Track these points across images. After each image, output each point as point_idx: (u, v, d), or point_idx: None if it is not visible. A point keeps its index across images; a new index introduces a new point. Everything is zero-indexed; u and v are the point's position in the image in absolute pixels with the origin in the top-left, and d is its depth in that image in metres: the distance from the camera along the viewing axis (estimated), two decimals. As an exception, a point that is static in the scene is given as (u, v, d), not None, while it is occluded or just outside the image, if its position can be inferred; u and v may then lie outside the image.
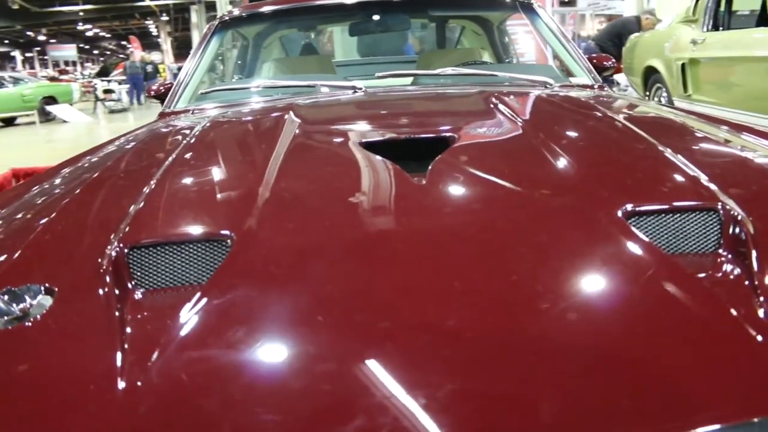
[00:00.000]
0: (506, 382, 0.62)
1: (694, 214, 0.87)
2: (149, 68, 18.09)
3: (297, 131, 1.35)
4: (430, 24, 3.94)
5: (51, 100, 15.22)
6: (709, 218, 0.86)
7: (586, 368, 0.63)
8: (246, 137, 1.56)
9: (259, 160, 1.20)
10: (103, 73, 21.98)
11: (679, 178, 0.98)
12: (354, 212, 0.95)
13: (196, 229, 0.91)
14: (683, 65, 5.33)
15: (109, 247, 0.86)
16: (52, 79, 22.69)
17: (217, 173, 1.20)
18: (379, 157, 1.09)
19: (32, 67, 48.21)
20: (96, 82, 18.58)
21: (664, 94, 5.84)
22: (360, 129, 1.46)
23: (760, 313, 0.69)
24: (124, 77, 18.21)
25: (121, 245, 0.86)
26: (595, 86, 2.14)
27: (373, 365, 0.64)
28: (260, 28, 3.13)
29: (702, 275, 0.78)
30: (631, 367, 0.63)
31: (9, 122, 15.03)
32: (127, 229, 0.91)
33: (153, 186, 1.07)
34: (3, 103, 14.42)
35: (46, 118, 14.54)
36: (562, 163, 1.04)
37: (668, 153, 1.07)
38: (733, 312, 0.70)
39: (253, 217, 0.91)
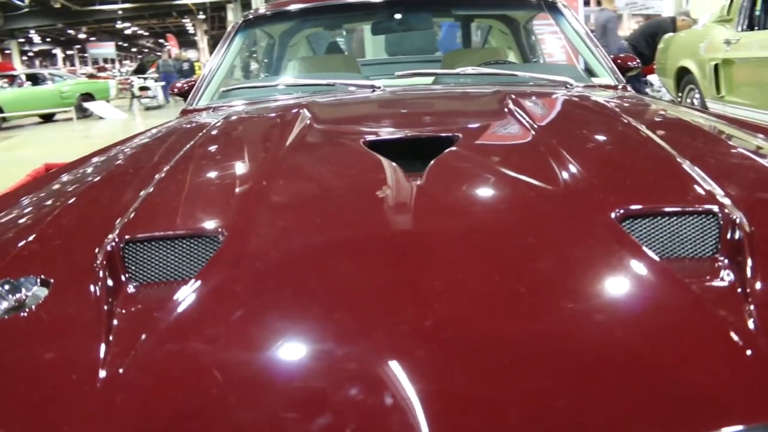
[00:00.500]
0: (487, 383, 0.61)
1: (692, 218, 0.85)
2: (185, 66, 18.29)
3: (305, 130, 1.37)
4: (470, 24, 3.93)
5: (88, 96, 15.56)
6: (707, 223, 0.85)
7: (568, 371, 0.62)
8: (256, 135, 1.57)
9: (263, 158, 1.22)
10: (140, 70, 22.32)
11: (683, 182, 0.96)
12: (345, 211, 0.95)
13: (191, 225, 0.93)
14: (716, 66, 5.23)
15: (106, 240, 0.88)
16: (90, 76, 23.12)
17: (221, 170, 1.22)
18: (379, 156, 1.10)
19: (72, 65, 49.26)
20: (133, 80, 18.89)
21: (697, 96, 5.74)
22: (368, 128, 1.46)
23: (749, 321, 0.67)
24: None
25: (117, 239, 0.88)
26: (619, 87, 2.11)
27: (352, 362, 0.64)
28: (284, 26, 3.16)
29: (693, 279, 0.76)
30: (610, 371, 0.63)
31: (48, 118, 15.39)
32: (125, 223, 0.92)
33: (156, 182, 1.09)
34: (42, 100, 14.81)
35: (83, 114, 14.85)
36: (562, 165, 1.03)
37: (677, 157, 1.05)
38: (720, 319, 0.68)
39: (245, 214, 0.93)
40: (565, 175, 0.99)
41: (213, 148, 1.42)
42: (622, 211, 0.86)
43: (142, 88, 17.43)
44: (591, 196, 0.93)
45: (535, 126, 1.27)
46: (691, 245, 0.83)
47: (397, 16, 2.76)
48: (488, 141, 1.27)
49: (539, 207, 0.93)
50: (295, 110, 1.57)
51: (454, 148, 1.13)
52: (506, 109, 1.43)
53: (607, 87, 2.11)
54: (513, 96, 1.54)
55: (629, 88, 2.16)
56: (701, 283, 0.76)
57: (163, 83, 17.53)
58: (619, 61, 2.41)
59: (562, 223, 0.87)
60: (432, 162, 1.05)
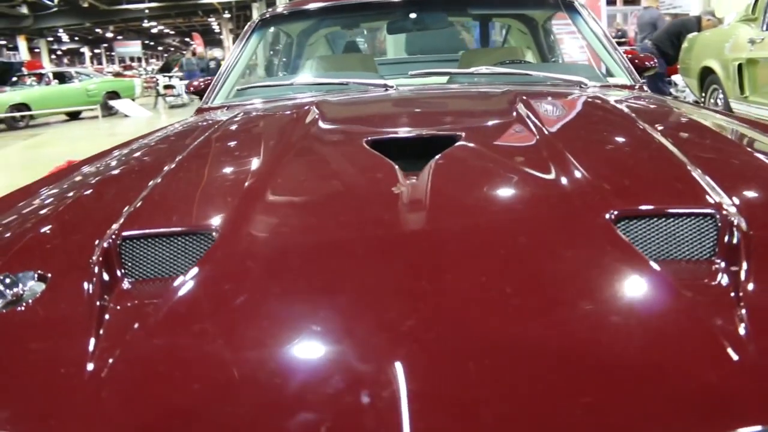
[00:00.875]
0: (478, 384, 0.61)
1: (690, 220, 0.85)
2: (212, 64, 18.36)
3: (309, 128, 1.38)
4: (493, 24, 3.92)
5: (114, 95, 15.77)
6: (705, 225, 0.84)
7: (558, 373, 0.62)
8: (263, 133, 1.59)
9: (265, 156, 1.23)
10: (166, 68, 22.51)
11: (684, 184, 0.95)
12: (340, 209, 0.96)
13: (187, 223, 0.94)
14: (740, 66, 5.15)
15: (105, 236, 0.90)
16: (116, 74, 23.41)
17: (223, 168, 1.24)
18: (379, 155, 1.10)
19: (100, 63, 49.92)
20: (158, 78, 19.08)
21: (721, 96, 5.66)
22: (372, 126, 1.47)
23: (740, 325, 0.66)
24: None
25: (114, 236, 0.89)
26: (635, 87, 2.09)
27: (340, 360, 0.65)
28: (302, 26, 3.17)
29: (687, 281, 0.75)
30: (599, 373, 0.62)
31: (74, 116, 15.61)
32: (123, 220, 0.94)
33: (158, 180, 1.11)
34: (69, 98, 15.05)
35: (109, 112, 15.04)
36: (563, 165, 1.02)
37: (682, 158, 1.04)
38: (710, 322, 0.67)
39: (240, 212, 0.94)
40: (563, 176, 0.99)
41: (219, 145, 1.43)
42: (617, 213, 0.85)
43: (167, 87, 17.57)
44: (587, 198, 0.92)
45: (541, 127, 1.26)
46: (688, 247, 0.82)
47: (413, 15, 2.76)
48: (491, 141, 1.26)
49: (534, 208, 0.92)
50: (304, 110, 1.58)
51: (454, 148, 1.13)
52: (514, 110, 1.41)
53: (623, 87, 2.09)
54: (524, 96, 1.53)
55: (645, 88, 2.14)
56: (695, 285, 0.75)
57: (187, 81, 17.59)
58: (636, 60, 2.39)
59: (556, 224, 0.87)
60: (430, 161, 1.05)
